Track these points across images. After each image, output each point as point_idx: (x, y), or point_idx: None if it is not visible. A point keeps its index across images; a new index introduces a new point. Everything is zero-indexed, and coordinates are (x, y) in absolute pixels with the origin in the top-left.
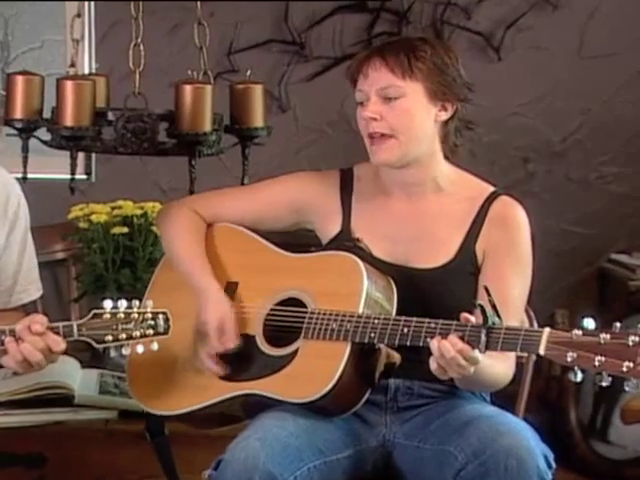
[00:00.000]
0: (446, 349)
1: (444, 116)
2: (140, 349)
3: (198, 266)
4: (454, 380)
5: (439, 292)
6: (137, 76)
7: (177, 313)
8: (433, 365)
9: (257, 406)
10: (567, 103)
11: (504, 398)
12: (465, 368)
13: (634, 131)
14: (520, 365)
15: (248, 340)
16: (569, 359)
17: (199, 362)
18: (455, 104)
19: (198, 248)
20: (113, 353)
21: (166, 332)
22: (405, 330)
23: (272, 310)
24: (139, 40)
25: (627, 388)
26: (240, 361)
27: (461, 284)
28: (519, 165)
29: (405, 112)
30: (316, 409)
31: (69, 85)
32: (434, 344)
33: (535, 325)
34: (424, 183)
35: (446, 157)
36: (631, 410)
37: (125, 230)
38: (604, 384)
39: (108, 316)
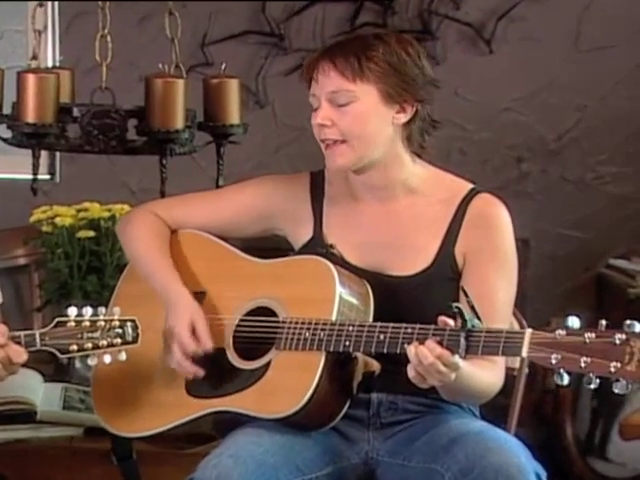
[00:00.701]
0: (424, 355)
1: (403, 118)
2: (107, 359)
3: (163, 269)
4: (438, 391)
5: (418, 300)
6: (104, 69)
7: (143, 326)
8: (411, 373)
9: (230, 424)
10: (563, 99)
11: (494, 412)
12: (445, 375)
13: (633, 128)
14: (512, 377)
15: (218, 354)
16: (553, 361)
17: (174, 364)
18: (415, 105)
19: (162, 251)
20: (78, 364)
21: (135, 341)
22: (381, 337)
23: (242, 321)
24: (106, 31)
25: (616, 390)
26: (210, 376)
27: (441, 291)
28: (512, 165)
29: (357, 117)
30: (292, 424)
31: (31, 79)
32: (411, 350)
33: None
34: (393, 186)
35: (419, 156)
36: (630, 426)
37: (91, 234)
38: (592, 386)
39: (73, 324)
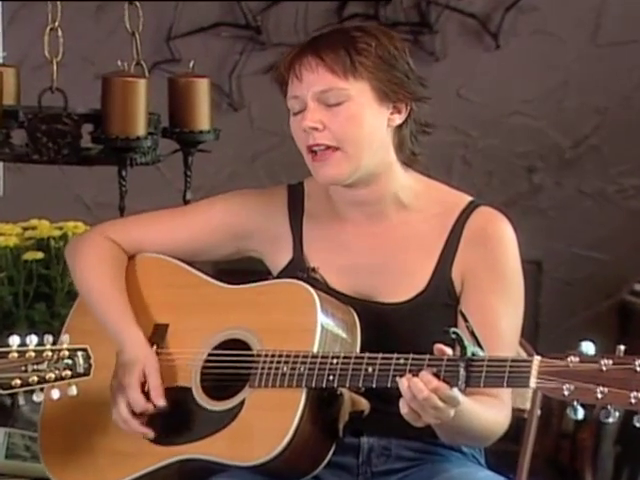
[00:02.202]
0: (418, 389)
1: (398, 119)
2: (55, 394)
3: (115, 307)
4: (435, 431)
5: (411, 330)
6: (54, 67)
7: (98, 364)
8: (404, 409)
9: (198, 474)
10: (580, 100)
11: (502, 460)
12: (443, 411)
13: None
14: (522, 420)
15: (183, 394)
16: (566, 392)
17: (120, 422)
18: (409, 104)
19: (115, 285)
20: (22, 401)
21: (87, 373)
22: (369, 369)
23: (210, 355)
24: (57, 23)
25: (637, 424)
26: (175, 420)
27: (436, 319)
28: (522, 176)
29: (351, 118)
30: (270, 473)
31: None
32: (404, 383)
33: None
34: (382, 201)
35: (407, 165)
36: None
37: (40, 256)
38: (610, 420)
39: (15, 355)
